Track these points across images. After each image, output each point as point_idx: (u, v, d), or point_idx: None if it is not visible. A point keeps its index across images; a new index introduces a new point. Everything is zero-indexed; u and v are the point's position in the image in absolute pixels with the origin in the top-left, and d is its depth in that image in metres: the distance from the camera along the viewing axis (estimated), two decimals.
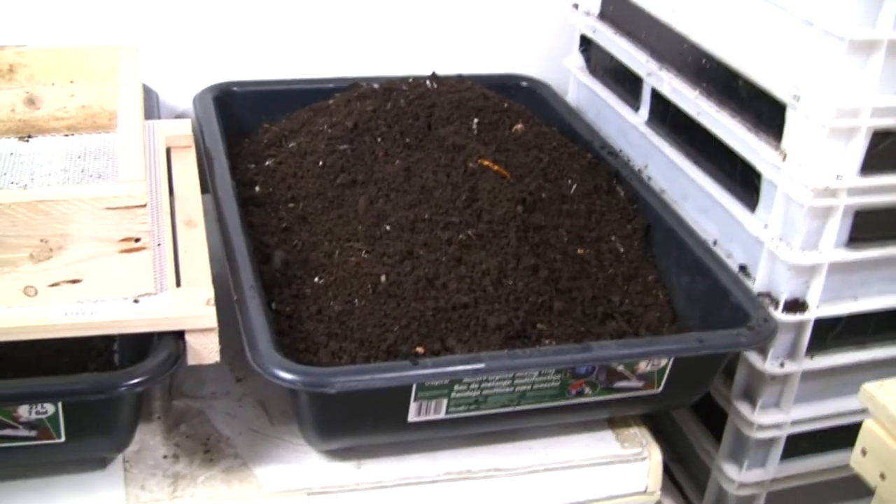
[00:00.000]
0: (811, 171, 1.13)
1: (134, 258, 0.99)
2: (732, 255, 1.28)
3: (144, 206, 0.97)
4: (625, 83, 1.51)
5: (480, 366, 1.02)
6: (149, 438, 1.13)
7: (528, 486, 1.15)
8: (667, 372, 1.12)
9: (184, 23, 1.53)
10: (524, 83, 1.64)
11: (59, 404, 0.96)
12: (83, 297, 1.00)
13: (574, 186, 1.34)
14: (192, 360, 1.02)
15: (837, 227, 1.15)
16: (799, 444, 1.30)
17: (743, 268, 1.25)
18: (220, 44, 1.56)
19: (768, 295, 1.20)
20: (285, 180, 1.31)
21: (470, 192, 1.23)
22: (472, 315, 1.12)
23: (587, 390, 1.11)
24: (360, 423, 1.07)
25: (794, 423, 1.26)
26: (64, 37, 1.47)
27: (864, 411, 0.98)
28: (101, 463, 1.09)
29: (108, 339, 1.14)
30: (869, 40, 1.07)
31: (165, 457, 1.11)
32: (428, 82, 1.43)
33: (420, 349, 1.08)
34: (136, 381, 0.95)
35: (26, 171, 1.21)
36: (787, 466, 1.31)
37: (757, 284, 1.21)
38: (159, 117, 1.45)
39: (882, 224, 1.18)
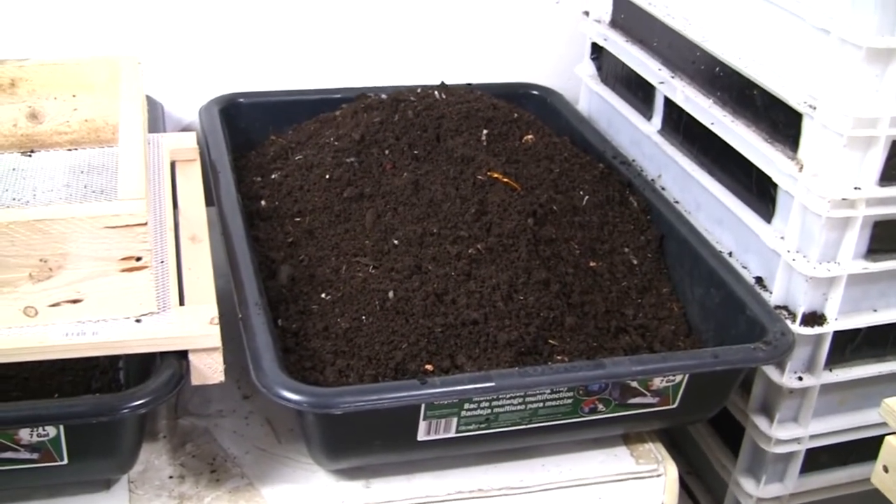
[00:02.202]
0: (828, 182, 1.10)
1: (135, 277, 0.98)
2: (748, 266, 1.25)
3: (145, 224, 0.96)
4: (637, 92, 1.49)
5: (490, 384, 1.00)
6: (154, 458, 1.11)
7: None
8: (682, 387, 1.10)
9: (190, 34, 1.52)
10: (534, 92, 1.63)
11: (61, 427, 0.94)
12: (84, 317, 0.98)
13: (586, 198, 1.32)
14: (195, 381, 1.00)
15: (856, 238, 1.13)
16: (818, 458, 1.28)
17: (759, 280, 1.23)
18: (227, 55, 1.55)
19: (785, 308, 1.18)
20: (291, 194, 1.29)
21: (479, 205, 1.21)
22: (482, 331, 1.10)
23: (601, 407, 1.09)
24: (369, 443, 1.05)
25: (812, 437, 1.24)
26: (67, 50, 1.45)
27: (884, 424, 0.96)
28: (106, 484, 1.07)
29: (113, 357, 1.13)
30: (887, 48, 1.05)
31: (171, 477, 1.09)
32: (436, 92, 1.41)
33: (429, 367, 1.06)
34: (137, 402, 0.94)
35: (28, 186, 1.20)
36: (807, 481, 1.29)
37: (774, 297, 1.19)
38: (165, 130, 1.44)
39: None
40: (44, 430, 0.94)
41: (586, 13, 1.61)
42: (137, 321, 0.99)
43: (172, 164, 1.28)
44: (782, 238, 1.18)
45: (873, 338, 1.22)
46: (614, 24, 1.55)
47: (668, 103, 1.40)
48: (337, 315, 1.12)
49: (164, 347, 0.98)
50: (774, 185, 1.18)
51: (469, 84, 1.51)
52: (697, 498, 1.39)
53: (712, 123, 1.27)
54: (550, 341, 1.12)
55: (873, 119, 1.07)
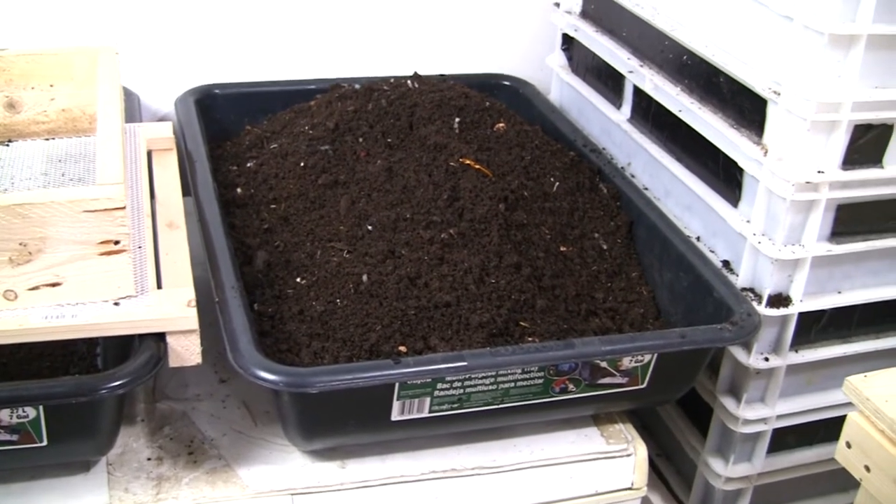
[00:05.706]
0: (792, 166, 1.13)
1: (114, 261, 0.99)
2: (716, 250, 1.28)
3: (123, 208, 0.97)
4: (607, 81, 1.51)
5: (463, 364, 1.02)
6: (132, 441, 1.12)
7: (513, 484, 1.15)
8: (651, 368, 1.12)
9: (165, 25, 1.52)
10: (507, 82, 1.64)
11: (41, 408, 0.95)
12: (63, 301, 0.99)
13: (556, 184, 1.34)
14: (173, 363, 1.01)
15: (820, 221, 1.15)
16: (785, 438, 1.31)
17: (726, 263, 1.25)
18: (202, 46, 1.56)
19: (752, 290, 1.20)
20: (267, 181, 1.31)
21: (452, 190, 1.23)
22: (455, 314, 1.11)
23: (571, 387, 1.10)
24: (344, 423, 1.06)
25: (779, 417, 1.26)
26: (44, 40, 1.46)
27: (849, 404, 0.98)
28: (85, 466, 1.08)
29: (91, 342, 1.14)
30: (849, 34, 1.07)
31: (149, 459, 1.10)
32: (409, 82, 1.43)
33: (402, 348, 1.08)
34: (116, 383, 0.95)
35: (6, 175, 1.21)
36: (774, 460, 1.31)
37: (740, 279, 1.21)
38: (141, 120, 1.45)
39: (864, 218, 1.18)
40: (24, 410, 0.95)
41: (557, 4, 1.62)
42: (116, 304, 1.00)
43: (149, 154, 1.29)
44: (748, 222, 1.20)
45: (838, 319, 1.24)
46: (585, 14, 1.57)
47: (638, 92, 1.42)
48: (312, 299, 1.14)
49: (143, 329, 0.99)
50: (740, 170, 1.20)
51: (442, 75, 1.53)
52: (667, 479, 1.41)
53: (680, 111, 1.29)
54: (522, 323, 1.14)
55: (836, 104, 1.09)
